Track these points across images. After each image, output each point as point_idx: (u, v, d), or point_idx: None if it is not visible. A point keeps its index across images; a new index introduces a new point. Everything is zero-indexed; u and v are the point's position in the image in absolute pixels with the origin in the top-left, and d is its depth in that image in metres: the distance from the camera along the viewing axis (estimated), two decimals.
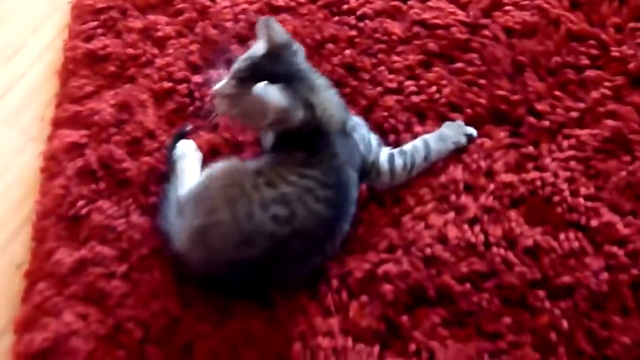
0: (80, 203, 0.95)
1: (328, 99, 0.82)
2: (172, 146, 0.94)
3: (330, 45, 1.00)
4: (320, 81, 0.83)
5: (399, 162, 0.85)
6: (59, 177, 0.98)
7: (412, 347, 0.78)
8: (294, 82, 0.80)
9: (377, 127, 0.92)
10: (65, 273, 0.91)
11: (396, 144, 0.91)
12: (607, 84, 0.90)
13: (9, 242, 0.98)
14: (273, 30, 0.82)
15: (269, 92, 0.77)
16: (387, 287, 0.81)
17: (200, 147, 0.95)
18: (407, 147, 0.87)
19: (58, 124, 1.04)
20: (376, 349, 0.78)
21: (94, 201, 0.95)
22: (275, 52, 0.81)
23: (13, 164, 1.04)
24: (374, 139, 0.86)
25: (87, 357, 0.85)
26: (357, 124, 0.85)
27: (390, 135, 0.91)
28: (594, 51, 0.93)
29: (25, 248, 0.97)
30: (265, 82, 0.78)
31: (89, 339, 0.85)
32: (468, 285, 0.80)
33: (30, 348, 0.87)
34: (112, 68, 1.05)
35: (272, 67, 0.80)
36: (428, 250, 0.82)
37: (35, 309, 0.90)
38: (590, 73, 0.92)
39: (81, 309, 0.88)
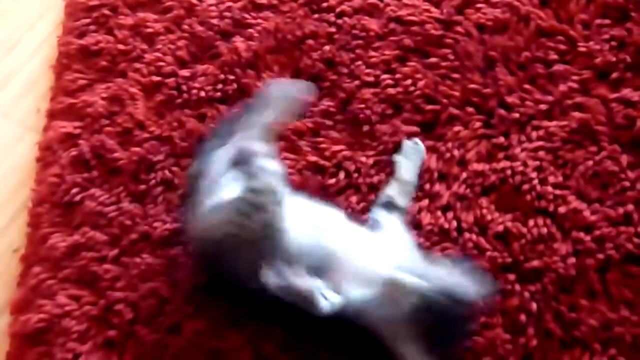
0: (74, 190, 0.86)
1: None
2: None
3: (310, 41, 0.90)
4: None
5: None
6: (53, 166, 0.89)
7: None
8: None
9: (354, 119, 0.84)
10: (59, 257, 0.83)
11: (370, 134, 0.82)
12: (574, 77, 0.82)
13: (6, 228, 0.89)
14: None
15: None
16: None
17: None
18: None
19: (53, 115, 0.94)
20: None
21: (86, 189, 0.86)
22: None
23: (11, 153, 0.94)
24: None
25: (80, 337, 0.77)
26: None
27: (364, 125, 0.83)
28: (562, 46, 0.84)
29: (21, 233, 0.88)
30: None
31: (82, 319, 0.78)
32: None
33: (26, 328, 0.79)
34: (104, 63, 0.95)
35: None
36: None
37: (30, 291, 0.82)
38: (558, 67, 0.83)
39: (74, 291, 0.80)
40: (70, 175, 0.87)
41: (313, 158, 0.83)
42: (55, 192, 0.87)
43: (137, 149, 0.87)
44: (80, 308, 0.78)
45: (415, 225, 0.75)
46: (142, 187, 0.84)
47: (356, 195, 0.78)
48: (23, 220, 0.88)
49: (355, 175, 0.80)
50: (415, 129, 0.82)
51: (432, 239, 0.74)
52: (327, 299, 0.61)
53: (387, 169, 0.80)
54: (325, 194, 0.79)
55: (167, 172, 0.84)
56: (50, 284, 0.81)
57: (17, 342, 0.79)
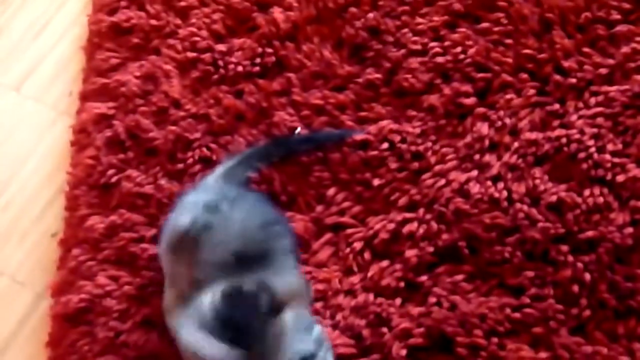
0: (110, 172, 1.11)
1: None
2: None
3: (353, 9, 1.13)
4: None
5: None
6: (88, 148, 1.15)
7: (433, 299, 0.92)
8: None
9: (400, 89, 1.06)
10: (98, 238, 1.08)
11: (417, 105, 1.05)
12: (638, 38, 1.02)
13: (43, 213, 1.16)
14: None
15: None
16: (411, 253, 0.95)
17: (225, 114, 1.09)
18: None
19: (86, 97, 1.21)
20: (398, 300, 0.93)
21: (123, 170, 1.11)
22: None
23: (44, 138, 1.21)
24: None
25: (120, 315, 1.01)
26: None
27: (411, 96, 1.04)
28: (626, 5, 1.05)
29: (58, 218, 1.14)
30: None
31: (121, 299, 1.02)
32: (492, 234, 0.93)
33: (67, 309, 1.04)
34: (136, 40, 1.21)
35: None
36: (451, 206, 0.96)
37: (70, 273, 1.07)
38: (621, 28, 1.03)
39: (113, 272, 1.04)
40: (105, 157, 1.13)
41: (356, 134, 1.05)
42: (92, 175, 1.13)
43: (173, 127, 1.12)
44: (120, 288, 1.03)
45: (462, 194, 0.97)
46: (180, 166, 1.09)
47: (397, 163, 1.01)
48: (59, 204, 1.15)
49: (400, 144, 1.03)
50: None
51: (481, 207, 0.95)
52: None
53: (432, 136, 1.02)
54: (366, 168, 1.02)
55: (204, 149, 1.09)
56: (90, 265, 1.06)
57: (58, 324, 1.04)
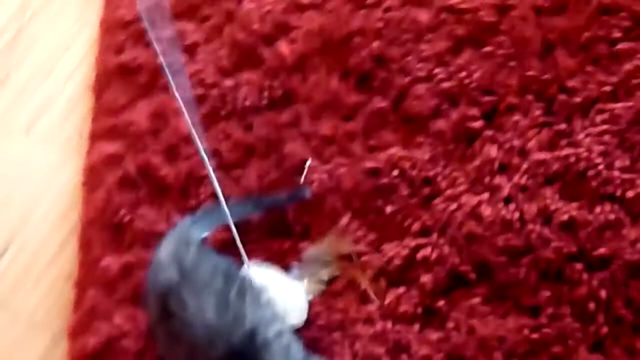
0: (122, 211, 1.19)
1: None
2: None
3: (357, 38, 1.22)
4: None
5: None
6: (100, 189, 1.24)
7: (451, 324, 0.98)
8: None
9: (407, 116, 1.14)
10: (113, 278, 1.16)
11: (426, 131, 1.11)
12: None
13: (57, 255, 1.24)
14: None
15: None
16: (427, 278, 1.01)
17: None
18: None
19: (96, 137, 1.30)
20: (416, 326, 0.99)
21: (135, 209, 1.19)
22: None
23: (55, 181, 1.30)
24: None
25: (137, 355, 1.08)
26: None
27: (419, 123, 1.12)
28: (625, 23, 1.12)
29: (72, 260, 1.22)
30: None
31: (139, 338, 1.09)
32: (505, 258, 1.00)
33: (85, 351, 1.11)
34: (143, 79, 1.30)
35: None
36: (463, 229, 1.03)
37: (86, 314, 1.15)
38: (622, 46, 1.10)
39: (130, 311, 1.12)
40: (117, 197, 1.21)
41: (367, 163, 1.13)
42: (104, 215, 1.21)
43: (184, 164, 1.20)
44: (137, 327, 1.10)
45: (475, 217, 1.04)
46: (192, 202, 1.17)
47: (408, 189, 1.08)
48: (73, 246, 1.23)
49: (410, 171, 1.09)
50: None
51: (494, 230, 1.02)
52: None
53: (442, 161, 1.09)
54: (379, 195, 1.09)
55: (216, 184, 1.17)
56: (106, 305, 1.14)
57: None
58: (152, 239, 1.15)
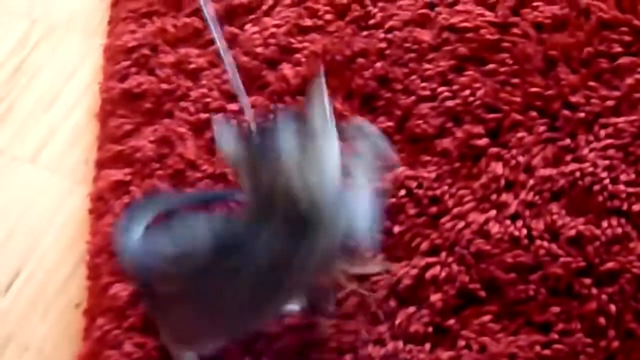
0: None
1: None
2: None
3: (360, 60, 1.26)
4: None
5: None
6: (107, 216, 1.27)
7: (462, 343, 1.01)
8: None
9: (412, 135, 1.18)
10: (122, 306, 1.18)
11: (431, 149, 1.15)
12: None
13: (65, 284, 1.27)
14: None
15: None
16: (436, 296, 1.04)
17: None
18: None
19: (102, 164, 1.33)
20: (427, 346, 1.02)
21: None
22: None
23: (62, 209, 1.33)
24: None
25: None
26: None
27: (424, 142, 1.16)
28: (626, 37, 1.17)
29: (81, 288, 1.25)
30: None
31: None
32: (514, 275, 1.03)
33: None
34: (148, 105, 1.34)
35: None
36: (472, 247, 1.06)
37: (96, 343, 1.17)
38: (624, 60, 1.15)
39: (139, 339, 1.13)
40: None
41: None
42: (112, 242, 1.23)
43: (190, 189, 1.24)
44: (147, 355, 1.12)
45: (483, 235, 1.07)
46: None
47: (416, 208, 1.11)
48: (81, 274, 1.26)
49: (417, 190, 1.13)
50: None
51: (502, 247, 1.05)
52: None
53: (448, 179, 1.13)
54: (386, 216, 1.11)
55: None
56: (116, 334, 1.16)
57: None
58: None
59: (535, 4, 1.23)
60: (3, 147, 1.40)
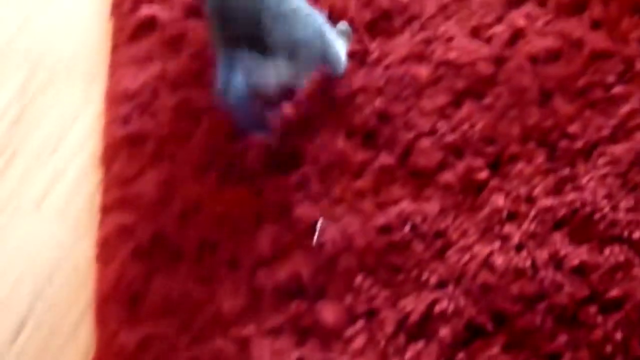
0: (137, 283, 1.27)
1: None
2: None
3: (360, 97, 1.32)
4: None
5: None
6: (113, 262, 1.31)
7: None
8: None
9: (414, 170, 1.23)
10: (132, 352, 1.22)
11: (434, 183, 1.20)
12: (635, 97, 1.19)
13: (73, 332, 1.30)
14: None
15: None
16: (445, 331, 1.08)
17: None
18: None
19: (107, 209, 1.38)
20: None
21: (149, 279, 1.27)
22: None
23: (67, 256, 1.37)
24: None
25: None
26: None
27: (426, 176, 1.21)
28: (619, 67, 1.23)
29: (89, 336, 1.28)
30: None
31: None
32: (520, 306, 1.07)
33: None
34: (151, 148, 1.39)
35: None
36: (478, 280, 1.11)
37: None
38: (617, 89, 1.21)
39: None
40: (131, 269, 1.29)
41: (378, 219, 1.21)
42: (118, 288, 1.28)
43: (196, 230, 1.28)
44: None
45: (488, 267, 1.11)
46: (206, 269, 1.25)
47: (421, 243, 1.15)
48: (89, 321, 1.30)
49: (422, 225, 1.18)
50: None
51: (508, 279, 1.09)
52: None
53: (452, 213, 1.17)
54: (392, 251, 1.16)
55: (229, 251, 1.25)
56: None
57: None
58: (168, 308, 1.23)
59: (528, 37, 1.30)
60: (7, 197, 1.45)
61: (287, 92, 1.31)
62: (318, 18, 1.28)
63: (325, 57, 1.29)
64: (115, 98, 1.49)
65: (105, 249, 1.34)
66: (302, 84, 1.30)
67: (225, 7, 1.24)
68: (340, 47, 1.33)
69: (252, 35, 1.21)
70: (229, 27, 1.25)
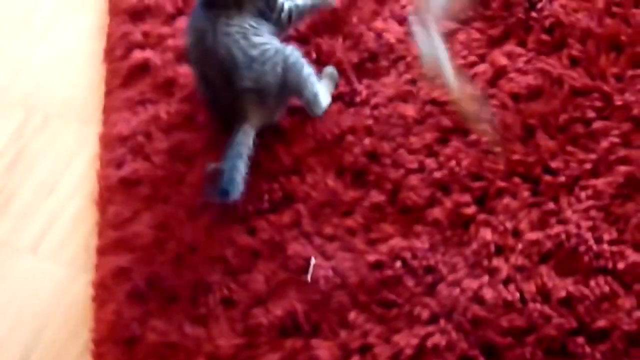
0: (134, 325, 1.30)
1: None
2: None
3: (349, 137, 1.38)
4: None
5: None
6: (110, 304, 1.35)
7: None
8: None
9: (404, 207, 1.28)
10: None
11: (423, 220, 1.25)
12: (615, 132, 1.25)
13: None
14: None
15: None
16: None
17: None
18: None
19: (102, 251, 1.42)
20: None
21: (146, 321, 1.30)
22: None
23: (64, 298, 1.41)
24: None
25: None
26: None
27: (416, 213, 1.26)
28: (598, 103, 1.29)
29: None
30: None
31: None
32: (510, 339, 1.11)
33: None
34: (145, 191, 1.44)
35: None
36: (468, 314, 1.15)
37: None
38: (597, 124, 1.27)
39: None
40: (127, 311, 1.32)
41: (370, 256, 1.25)
42: (115, 330, 1.32)
43: (191, 272, 1.33)
44: None
45: (478, 301, 1.16)
46: (202, 309, 1.29)
47: (414, 279, 1.20)
48: None
49: (412, 261, 1.22)
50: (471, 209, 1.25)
51: (497, 312, 1.13)
52: None
53: (441, 248, 1.22)
54: (384, 288, 1.20)
55: (225, 290, 1.29)
56: None
57: None
58: (165, 350, 1.26)
59: (510, 75, 1.36)
60: (4, 238, 1.49)
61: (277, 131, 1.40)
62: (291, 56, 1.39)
63: (301, 95, 1.40)
64: (110, 141, 1.54)
65: (102, 291, 1.37)
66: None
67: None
68: (319, 88, 1.41)
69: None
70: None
